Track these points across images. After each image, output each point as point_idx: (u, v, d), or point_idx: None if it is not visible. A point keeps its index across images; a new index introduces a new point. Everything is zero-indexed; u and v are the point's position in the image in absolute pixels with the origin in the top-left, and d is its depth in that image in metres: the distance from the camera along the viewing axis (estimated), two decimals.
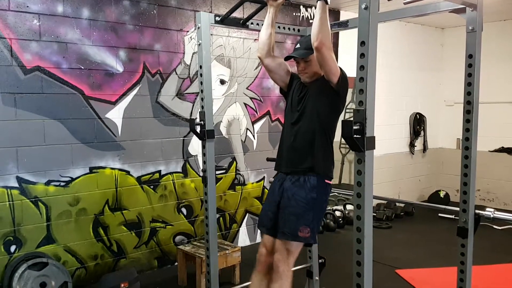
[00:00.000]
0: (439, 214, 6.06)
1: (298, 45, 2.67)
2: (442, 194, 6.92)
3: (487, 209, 2.57)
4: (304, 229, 2.55)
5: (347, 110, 5.65)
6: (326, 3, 2.34)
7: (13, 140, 3.45)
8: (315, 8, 2.39)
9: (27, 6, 3.45)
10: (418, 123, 6.97)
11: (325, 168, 2.61)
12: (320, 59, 2.41)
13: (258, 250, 2.80)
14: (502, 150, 6.60)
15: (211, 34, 4.41)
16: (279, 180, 2.73)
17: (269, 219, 2.73)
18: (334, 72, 2.45)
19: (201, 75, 2.77)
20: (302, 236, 2.55)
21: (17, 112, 3.45)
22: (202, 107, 2.79)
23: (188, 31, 4.35)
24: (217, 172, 4.63)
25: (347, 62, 4.85)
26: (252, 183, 5.04)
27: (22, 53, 3.45)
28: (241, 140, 4.90)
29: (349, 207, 6.00)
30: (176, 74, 4.30)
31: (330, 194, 2.78)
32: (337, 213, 5.79)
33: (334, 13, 5.55)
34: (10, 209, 3.47)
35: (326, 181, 2.62)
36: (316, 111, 2.58)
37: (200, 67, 2.76)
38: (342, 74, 2.50)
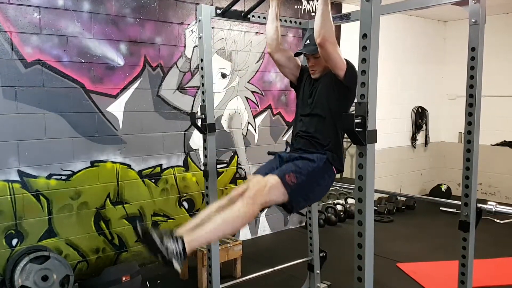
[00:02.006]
0: (441, 208, 6.06)
1: (307, 41, 2.65)
2: (443, 188, 6.91)
3: (489, 202, 2.56)
4: (292, 176, 2.32)
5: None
6: None
7: (14, 133, 3.44)
8: (317, 0, 2.37)
9: None
10: (420, 117, 6.95)
11: (337, 160, 2.53)
12: (325, 55, 2.39)
13: (240, 186, 2.45)
14: (504, 144, 6.58)
15: (212, 27, 4.39)
16: (285, 151, 2.63)
17: (268, 168, 2.55)
18: (340, 66, 2.43)
19: (202, 68, 2.76)
20: (286, 180, 2.30)
21: (18, 105, 3.45)
22: (203, 100, 2.78)
23: (189, 24, 4.33)
24: (218, 166, 4.62)
25: (349, 55, 4.83)
26: None
27: (22, 46, 3.44)
28: (242, 134, 4.89)
29: (350, 200, 6.00)
30: (177, 67, 4.29)
31: (332, 188, 2.75)
32: (339, 207, 5.79)
33: (336, 6, 5.52)
34: (12, 202, 3.47)
35: (334, 168, 2.53)
36: (327, 104, 2.56)
37: (201, 60, 2.75)
38: (350, 66, 2.46)
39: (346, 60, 2.46)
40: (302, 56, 2.78)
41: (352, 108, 1.77)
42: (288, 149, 2.76)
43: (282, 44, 2.80)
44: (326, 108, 2.55)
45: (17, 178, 3.49)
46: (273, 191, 2.28)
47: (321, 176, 2.47)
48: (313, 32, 2.38)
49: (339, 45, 5.44)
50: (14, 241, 3.51)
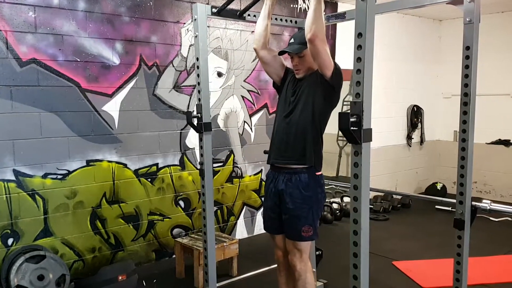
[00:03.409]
0: (436, 206, 6.08)
1: (292, 40, 2.66)
2: (439, 186, 6.94)
3: (484, 201, 2.58)
4: (307, 228, 2.62)
5: (345, 103, 5.65)
6: None
7: (9, 133, 3.43)
8: None
9: None
10: (415, 116, 6.97)
11: (315, 161, 2.62)
12: (314, 52, 2.40)
13: (275, 252, 2.90)
14: (499, 142, 6.62)
15: (208, 26, 4.39)
16: (272, 181, 2.76)
17: (273, 222, 2.79)
18: (327, 65, 2.44)
19: (198, 67, 2.76)
20: (305, 236, 2.63)
21: (13, 104, 3.44)
22: (199, 99, 2.78)
23: (185, 23, 4.33)
24: (215, 165, 4.62)
25: (344, 54, 4.84)
26: (250, 175, 5.04)
27: (17, 45, 3.43)
28: (239, 133, 4.90)
29: (346, 199, 6.02)
30: (173, 66, 4.29)
31: (327, 186, 2.80)
32: (335, 206, 5.80)
33: (332, 5, 5.52)
34: (7, 202, 3.46)
35: (317, 173, 2.64)
36: (310, 103, 2.58)
37: (197, 59, 2.75)
38: (336, 67, 2.48)
39: (333, 61, 2.48)
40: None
41: (348, 108, 1.77)
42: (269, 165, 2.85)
43: (274, 43, 2.81)
44: (309, 106, 2.57)
45: (13, 178, 3.48)
46: (306, 250, 2.69)
47: (316, 192, 2.65)
48: (298, 31, 2.40)
49: (334, 44, 5.45)
50: (10, 241, 3.50)
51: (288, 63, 2.82)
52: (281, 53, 2.73)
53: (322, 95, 2.55)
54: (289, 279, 2.88)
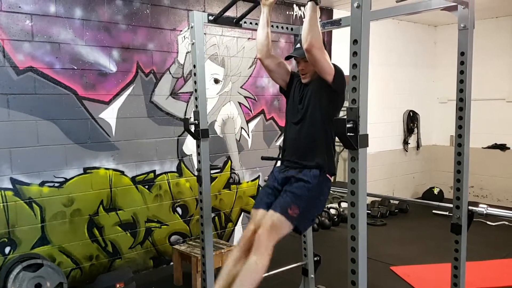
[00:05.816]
0: (433, 211, 6.09)
1: (298, 45, 2.66)
2: (436, 191, 6.96)
3: (480, 205, 2.59)
4: (294, 208, 2.44)
5: (341, 109, 5.66)
6: (316, 3, 2.34)
7: (6, 141, 3.43)
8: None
9: (19, 7, 3.43)
10: (411, 121, 7.00)
11: (329, 164, 2.59)
12: (312, 60, 2.41)
13: (247, 227, 2.61)
14: (495, 146, 6.65)
15: (205, 33, 4.39)
16: (282, 169, 2.68)
17: (268, 197, 2.62)
18: (327, 71, 2.45)
19: (194, 74, 2.77)
20: (290, 214, 2.43)
21: (10, 113, 3.44)
22: (196, 106, 2.79)
23: (181, 31, 4.34)
24: (212, 171, 4.61)
25: (340, 60, 4.87)
26: (247, 182, 5.04)
27: (14, 53, 3.43)
28: (236, 139, 4.90)
29: (344, 204, 6.02)
30: (170, 73, 4.30)
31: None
32: (332, 211, 5.81)
33: (327, 11, 5.56)
34: (4, 210, 3.45)
35: (328, 175, 2.60)
36: (318, 109, 2.58)
37: (194, 66, 2.77)
38: (337, 71, 2.49)
39: (334, 65, 2.48)
40: (293, 61, 2.79)
41: (344, 113, 1.78)
42: (279, 164, 2.78)
43: (272, 50, 2.81)
44: (317, 114, 2.58)
45: (10, 186, 3.47)
46: (280, 230, 2.43)
47: (319, 193, 2.56)
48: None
49: (331, 51, 5.48)
50: (7, 249, 3.49)
51: (292, 67, 2.82)
52: (288, 58, 2.74)
53: (328, 99, 2.56)
54: (241, 259, 2.52)
